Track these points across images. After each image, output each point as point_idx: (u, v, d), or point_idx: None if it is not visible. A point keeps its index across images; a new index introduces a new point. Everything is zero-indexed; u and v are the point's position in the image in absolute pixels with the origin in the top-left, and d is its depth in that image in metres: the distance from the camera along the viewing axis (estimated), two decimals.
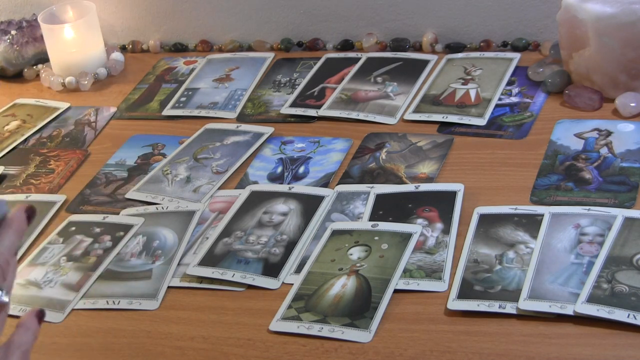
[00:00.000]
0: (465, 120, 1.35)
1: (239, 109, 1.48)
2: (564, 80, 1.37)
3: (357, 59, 1.55)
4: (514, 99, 1.38)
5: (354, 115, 1.41)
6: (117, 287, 1.14)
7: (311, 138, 1.38)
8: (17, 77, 1.69)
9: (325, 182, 1.28)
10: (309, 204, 1.22)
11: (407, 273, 1.08)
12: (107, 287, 1.15)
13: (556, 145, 1.26)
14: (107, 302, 1.12)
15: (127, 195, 1.31)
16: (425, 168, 1.26)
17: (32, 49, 1.68)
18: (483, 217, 1.14)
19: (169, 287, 1.14)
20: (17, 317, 1.13)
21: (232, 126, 1.43)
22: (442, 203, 1.18)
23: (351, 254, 1.12)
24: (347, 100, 1.44)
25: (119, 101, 1.57)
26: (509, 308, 1.01)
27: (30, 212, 0.83)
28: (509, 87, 1.41)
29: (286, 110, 1.45)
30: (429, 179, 1.24)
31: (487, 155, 1.28)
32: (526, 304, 1.00)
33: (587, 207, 1.12)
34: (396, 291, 1.06)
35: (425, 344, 0.99)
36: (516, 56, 1.48)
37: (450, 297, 1.04)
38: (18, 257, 1.22)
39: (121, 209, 1.28)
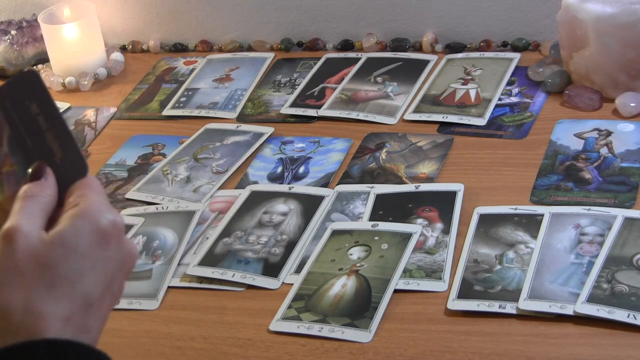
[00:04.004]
0: (465, 120, 1.35)
1: (239, 109, 1.48)
2: (564, 80, 1.37)
3: (357, 59, 1.55)
4: (514, 99, 1.38)
5: (354, 115, 1.41)
6: None
7: (311, 138, 1.38)
8: None
9: (325, 182, 1.28)
10: (309, 204, 1.22)
11: (407, 273, 1.08)
12: None
13: (556, 145, 1.26)
14: None
15: (127, 195, 1.31)
16: (425, 168, 1.26)
17: (32, 49, 1.68)
18: (483, 217, 1.14)
19: (169, 287, 1.14)
20: None
21: (232, 126, 1.43)
22: (442, 203, 1.18)
23: (351, 254, 1.12)
24: (347, 100, 1.44)
25: (119, 101, 1.57)
26: (509, 308, 1.01)
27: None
28: (509, 87, 1.41)
29: (286, 110, 1.45)
30: (429, 179, 1.24)
31: (487, 155, 1.28)
32: (526, 304, 1.00)
33: (587, 207, 1.12)
34: (396, 291, 1.06)
35: (425, 344, 0.99)
36: (516, 56, 1.48)
37: (450, 297, 1.04)
38: None
39: (121, 209, 1.28)
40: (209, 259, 1.16)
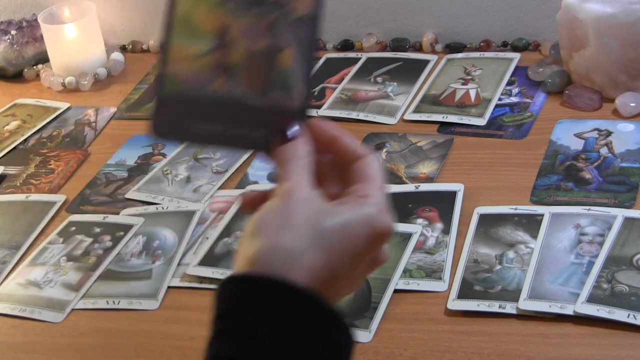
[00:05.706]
0: (465, 120, 1.35)
1: None
2: (564, 80, 1.37)
3: (357, 59, 1.55)
4: (514, 99, 1.38)
5: (354, 115, 1.41)
6: (117, 287, 1.14)
7: None
8: (17, 77, 1.69)
9: None
10: None
11: (407, 273, 1.08)
12: (107, 287, 1.15)
13: (556, 145, 1.26)
14: (107, 302, 1.12)
15: (127, 195, 1.31)
16: (425, 168, 1.26)
17: (32, 49, 1.68)
18: (483, 217, 1.14)
19: (169, 287, 1.13)
20: (16, 317, 1.13)
21: None
22: (442, 203, 1.18)
23: None
24: (347, 100, 1.44)
25: (119, 101, 1.57)
26: (509, 308, 1.00)
27: None
28: (509, 87, 1.41)
29: None
30: (429, 179, 1.24)
31: (487, 155, 1.28)
32: (526, 304, 1.00)
33: (587, 207, 1.12)
34: (396, 291, 1.06)
35: (425, 344, 0.99)
36: (516, 56, 1.48)
37: (450, 297, 1.04)
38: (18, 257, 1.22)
39: (121, 209, 1.28)
40: (209, 259, 1.16)
